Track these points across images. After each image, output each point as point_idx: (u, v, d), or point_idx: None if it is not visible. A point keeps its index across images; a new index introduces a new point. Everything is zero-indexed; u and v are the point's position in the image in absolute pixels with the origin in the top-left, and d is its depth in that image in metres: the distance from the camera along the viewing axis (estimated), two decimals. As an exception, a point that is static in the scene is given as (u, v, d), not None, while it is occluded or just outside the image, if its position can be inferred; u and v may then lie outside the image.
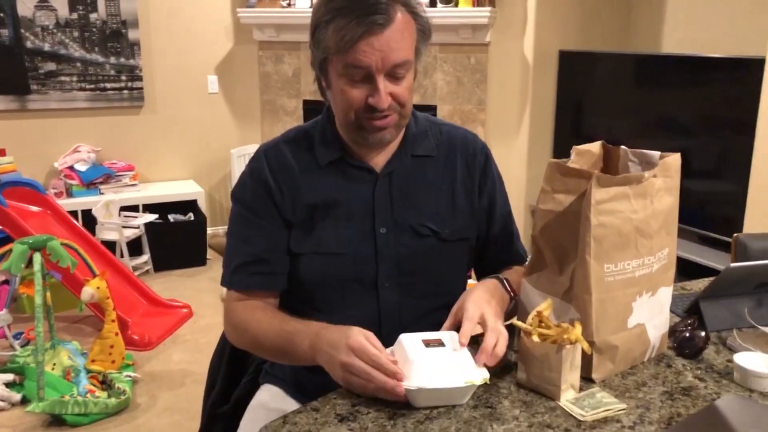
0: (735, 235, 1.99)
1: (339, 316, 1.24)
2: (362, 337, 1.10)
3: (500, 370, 1.18)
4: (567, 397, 1.09)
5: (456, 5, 3.99)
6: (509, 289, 1.31)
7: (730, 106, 3.25)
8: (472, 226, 1.40)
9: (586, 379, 1.15)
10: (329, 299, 1.33)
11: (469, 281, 1.46)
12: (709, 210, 3.37)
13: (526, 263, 1.27)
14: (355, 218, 1.33)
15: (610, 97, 3.93)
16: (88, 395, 2.65)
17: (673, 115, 3.58)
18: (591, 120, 4.09)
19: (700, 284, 1.62)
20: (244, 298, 1.36)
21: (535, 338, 1.10)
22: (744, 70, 3.13)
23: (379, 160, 1.35)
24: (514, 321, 1.18)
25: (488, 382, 1.09)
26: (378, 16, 1.18)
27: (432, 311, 1.33)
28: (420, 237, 1.34)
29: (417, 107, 1.41)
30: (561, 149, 4.16)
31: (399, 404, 1.08)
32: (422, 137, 1.39)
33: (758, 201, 2.84)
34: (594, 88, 4.04)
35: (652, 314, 1.21)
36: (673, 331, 1.28)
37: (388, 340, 1.15)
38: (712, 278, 1.70)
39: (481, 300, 1.21)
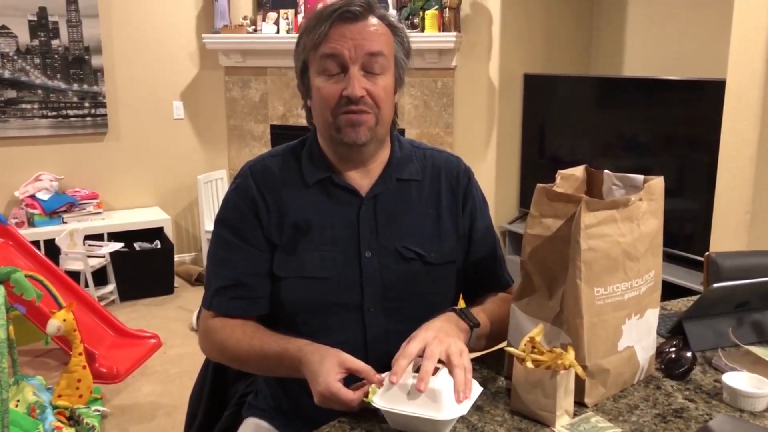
0: (707, 254, 2.02)
1: (323, 342, 1.23)
2: (331, 378, 1.10)
3: (493, 397, 1.18)
4: (562, 423, 1.09)
5: (422, 30, 4.04)
6: (467, 319, 1.27)
7: (691, 128, 3.34)
8: (458, 249, 1.39)
9: (578, 403, 1.15)
10: (312, 324, 1.31)
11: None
12: (673, 228, 3.44)
13: (515, 289, 1.27)
14: (339, 242, 1.31)
15: (574, 119, 4.00)
16: (55, 432, 2.56)
17: (635, 136, 3.66)
18: (556, 141, 4.15)
19: (679, 304, 1.65)
20: (222, 318, 1.34)
21: (529, 364, 1.10)
22: (704, 92, 3.22)
23: (364, 183, 1.35)
24: (506, 348, 1.17)
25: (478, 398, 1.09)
26: (351, 8, 1.24)
27: None
28: (405, 261, 1.33)
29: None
30: (528, 171, 4.22)
31: (394, 435, 1.06)
32: (406, 161, 1.39)
33: (723, 219, 2.91)
34: (558, 111, 4.11)
35: (641, 336, 1.22)
36: (659, 353, 1.29)
37: (376, 367, 1.15)
38: (688, 298, 1.73)
39: (438, 338, 1.15)
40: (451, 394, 1.06)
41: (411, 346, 1.12)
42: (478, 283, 1.44)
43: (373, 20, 1.27)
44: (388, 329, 1.31)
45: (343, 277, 1.30)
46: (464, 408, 1.06)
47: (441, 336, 1.14)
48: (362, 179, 1.35)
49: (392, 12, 4.10)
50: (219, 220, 1.37)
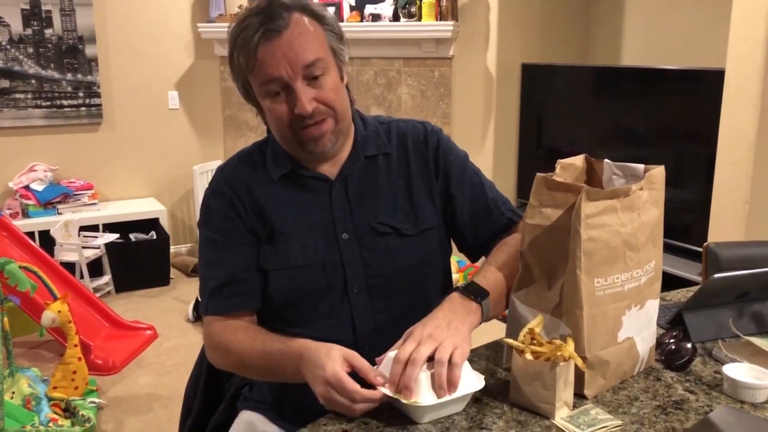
0: (705, 244, 2.01)
1: (313, 328, 1.23)
2: (339, 367, 1.07)
3: (492, 389, 1.16)
4: (561, 415, 1.08)
5: (419, 19, 4.01)
6: (472, 296, 1.22)
7: (690, 118, 3.32)
8: (436, 214, 1.37)
9: (578, 395, 1.13)
10: (302, 313, 1.31)
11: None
12: (672, 219, 3.42)
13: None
14: (317, 228, 1.31)
15: (572, 109, 3.98)
16: (51, 424, 2.54)
17: (633, 127, 3.64)
18: (554, 131, 4.13)
19: (679, 295, 1.63)
20: (223, 320, 1.32)
21: (528, 356, 1.09)
22: (703, 81, 3.20)
23: (333, 169, 1.35)
24: (505, 339, 1.16)
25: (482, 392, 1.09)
26: (273, 23, 1.21)
27: (406, 310, 1.27)
28: (380, 236, 1.32)
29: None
30: (525, 161, 4.20)
31: (392, 425, 1.05)
32: (373, 137, 1.38)
33: (722, 210, 2.90)
34: (556, 100, 4.09)
35: (641, 327, 1.20)
36: (659, 344, 1.28)
37: (365, 346, 1.17)
38: (688, 288, 1.72)
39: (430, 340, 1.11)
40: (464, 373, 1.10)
41: (404, 349, 1.09)
42: (482, 234, 1.40)
43: (297, 20, 1.22)
44: (374, 307, 1.31)
45: (326, 262, 1.30)
46: (480, 379, 1.11)
47: (437, 334, 1.11)
48: (330, 166, 1.35)
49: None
50: (203, 224, 1.36)
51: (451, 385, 1.07)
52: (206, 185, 1.41)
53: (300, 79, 1.22)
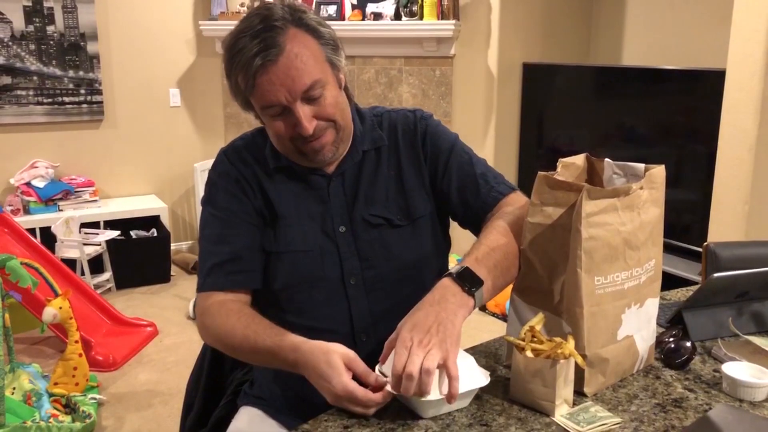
0: (705, 244, 2.02)
1: (309, 317, 1.23)
2: (345, 378, 1.06)
3: (493, 386, 1.17)
4: (561, 413, 1.08)
5: (420, 18, 4.02)
6: (467, 286, 1.15)
7: (691, 118, 3.33)
8: (427, 202, 1.38)
9: (578, 393, 1.14)
10: (298, 300, 1.32)
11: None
12: (672, 219, 3.43)
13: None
14: (315, 216, 1.33)
15: (573, 109, 3.99)
16: (51, 420, 2.55)
17: (634, 126, 3.65)
18: (554, 131, 4.14)
19: (678, 294, 1.64)
20: (218, 298, 1.29)
21: (529, 353, 1.09)
22: (704, 82, 3.21)
23: (332, 166, 1.36)
24: (506, 336, 1.17)
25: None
26: (269, 51, 1.19)
27: (404, 302, 1.22)
28: (373, 227, 1.33)
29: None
30: (526, 160, 4.21)
31: (393, 422, 1.06)
32: (370, 131, 1.39)
33: (722, 209, 2.91)
34: (557, 100, 4.09)
35: (640, 326, 1.21)
36: (659, 342, 1.29)
37: (362, 336, 1.19)
38: (687, 288, 1.72)
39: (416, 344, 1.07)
40: (468, 364, 1.11)
41: (397, 362, 1.05)
42: (474, 211, 1.38)
43: (292, 39, 1.20)
44: (370, 298, 1.32)
45: (325, 250, 1.31)
46: (486, 374, 1.12)
47: (426, 340, 1.07)
48: (330, 165, 1.36)
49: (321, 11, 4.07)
50: (207, 201, 1.36)
51: (452, 397, 1.04)
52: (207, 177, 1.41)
53: (299, 102, 1.22)
